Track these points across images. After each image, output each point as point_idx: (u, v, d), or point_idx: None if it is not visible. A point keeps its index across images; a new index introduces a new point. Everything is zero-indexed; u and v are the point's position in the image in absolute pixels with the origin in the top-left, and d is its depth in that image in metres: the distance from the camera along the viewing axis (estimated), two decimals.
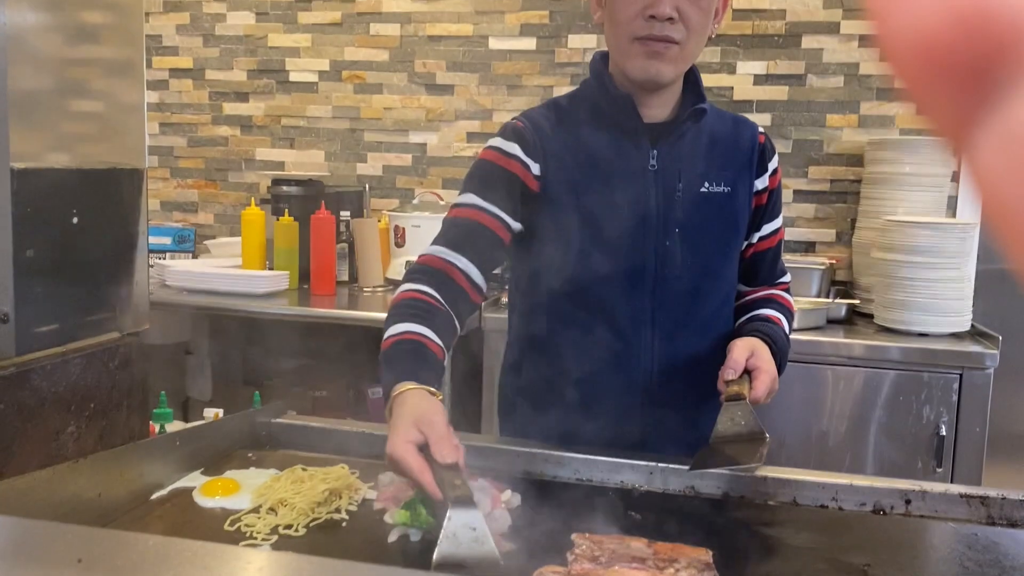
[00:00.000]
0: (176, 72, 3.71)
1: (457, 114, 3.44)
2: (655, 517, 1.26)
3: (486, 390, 2.62)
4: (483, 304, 2.69)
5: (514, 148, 1.43)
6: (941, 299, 2.42)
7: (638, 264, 1.41)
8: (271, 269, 3.04)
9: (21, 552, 0.80)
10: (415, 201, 3.22)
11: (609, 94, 1.43)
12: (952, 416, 2.31)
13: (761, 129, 1.53)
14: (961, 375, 2.29)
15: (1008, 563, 1.13)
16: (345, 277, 3.15)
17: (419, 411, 1.11)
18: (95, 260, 1.57)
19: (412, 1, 3.44)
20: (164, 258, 3.30)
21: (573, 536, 1.16)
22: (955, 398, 2.30)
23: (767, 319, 1.53)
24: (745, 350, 1.38)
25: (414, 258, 3.08)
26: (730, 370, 1.36)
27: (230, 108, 3.68)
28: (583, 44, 3.28)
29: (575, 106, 1.49)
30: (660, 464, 1.40)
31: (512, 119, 1.49)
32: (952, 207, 2.88)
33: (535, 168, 1.43)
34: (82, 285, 1.54)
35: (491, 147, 1.46)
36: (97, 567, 0.74)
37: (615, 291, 1.42)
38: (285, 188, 3.10)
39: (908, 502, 1.32)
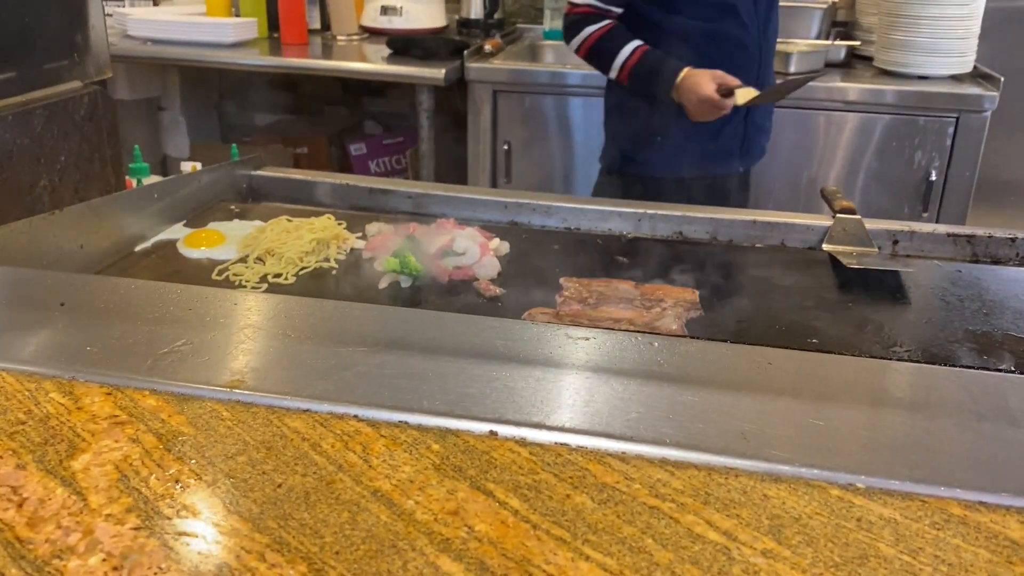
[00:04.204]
0: None
1: None
2: (643, 261, 1.26)
3: (471, 141, 2.55)
4: (466, 53, 2.56)
5: None
6: (945, 38, 2.31)
7: None
8: (237, 16, 2.85)
9: (3, 298, 0.79)
10: None
11: None
12: (944, 161, 2.29)
13: None
14: (957, 119, 2.24)
15: (989, 297, 1.16)
16: (317, 24, 2.97)
17: (692, 81, 1.71)
18: (43, 3, 1.45)
19: None
20: (123, 5, 3.07)
21: (561, 280, 1.17)
22: (949, 143, 2.27)
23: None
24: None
25: (389, 2, 2.87)
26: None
27: None
28: None
29: None
30: (649, 211, 1.39)
31: None
32: None
33: None
34: (33, 30, 1.43)
35: None
36: (79, 310, 0.73)
37: None
38: None
39: (895, 242, 1.33)
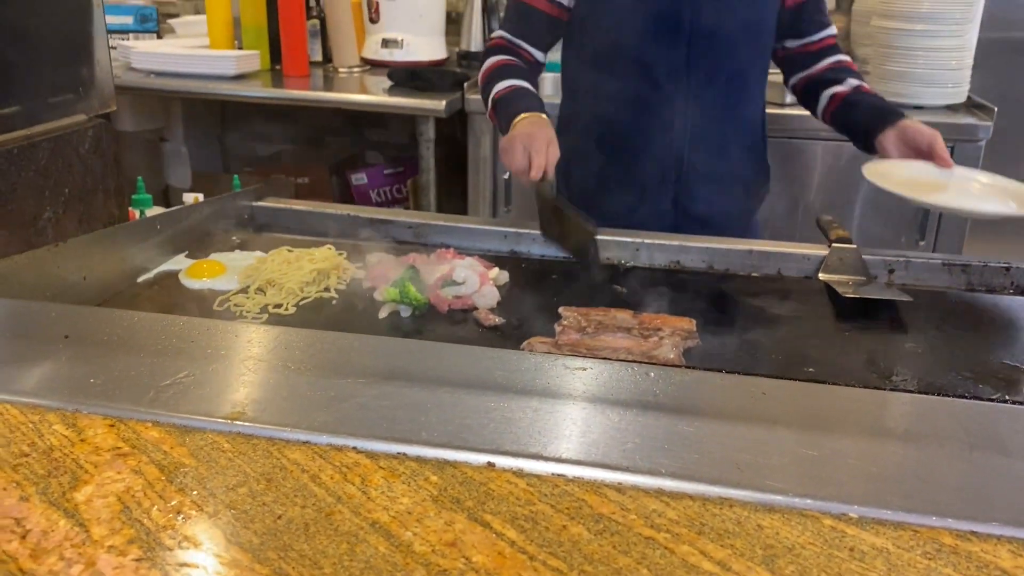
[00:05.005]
0: None
1: None
2: (641, 290, 1.28)
3: (471, 172, 2.58)
4: (466, 85, 2.59)
5: None
6: (938, 69, 2.34)
7: (673, 15, 1.52)
8: (240, 49, 2.89)
9: (8, 330, 0.80)
10: None
11: None
12: None
13: None
14: (952, 148, 2.26)
15: (983, 326, 1.16)
16: (318, 57, 3.00)
17: (532, 129, 1.42)
18: (50, 38, 1.48)
19: None
20: (127, 39, 3.11)
21: (560, 309, 1.18)
22: None
23: (874, 93, 1.62)
24: (928, 133, 1.45)
25: (390, 35, 2.93)
26: (946, 160, 1.42)
27: None
28: None
29: None
30: (646, 240, 1.41)
31: None
32: None
33: None
34: (39, 65, 1.45)
35: None
36: (83, 342, 0.74)
37: (651, 44, 1.54)
38: None
39: (891, 271, 1.34)
